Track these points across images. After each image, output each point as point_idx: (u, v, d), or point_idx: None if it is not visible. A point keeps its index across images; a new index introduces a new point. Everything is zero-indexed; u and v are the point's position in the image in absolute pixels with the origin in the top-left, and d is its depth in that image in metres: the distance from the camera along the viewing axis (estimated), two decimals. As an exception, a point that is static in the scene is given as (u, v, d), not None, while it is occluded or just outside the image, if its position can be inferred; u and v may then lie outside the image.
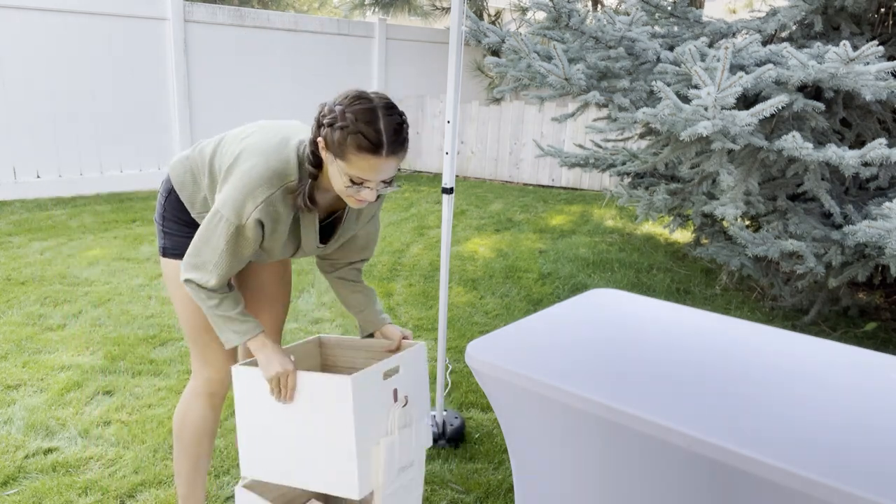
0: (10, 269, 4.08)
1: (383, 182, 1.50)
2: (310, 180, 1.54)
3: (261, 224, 1.54)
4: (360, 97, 1.45)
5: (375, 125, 1.42)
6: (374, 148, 1.42)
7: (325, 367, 1.97)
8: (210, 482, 2.18)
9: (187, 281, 1.57)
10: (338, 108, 1.44)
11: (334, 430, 1.53)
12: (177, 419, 1.82)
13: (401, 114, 1.48)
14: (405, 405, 1.65)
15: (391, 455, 1.60)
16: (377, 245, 1.94)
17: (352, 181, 1.46)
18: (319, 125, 1.47)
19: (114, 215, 5.55)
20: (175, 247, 1.72)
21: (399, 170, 1.63)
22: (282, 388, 1.57)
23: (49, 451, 2.32)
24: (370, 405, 1.55)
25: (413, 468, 1.71)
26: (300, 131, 1.63)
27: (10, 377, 2.80)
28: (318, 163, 1.52)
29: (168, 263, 1.74)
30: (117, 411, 2.59)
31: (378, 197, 1.68)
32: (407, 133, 1.48)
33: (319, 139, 1.47)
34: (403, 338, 1.84)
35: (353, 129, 1.41)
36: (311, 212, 1.60)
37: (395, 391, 1.63)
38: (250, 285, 1.89)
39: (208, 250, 1.54)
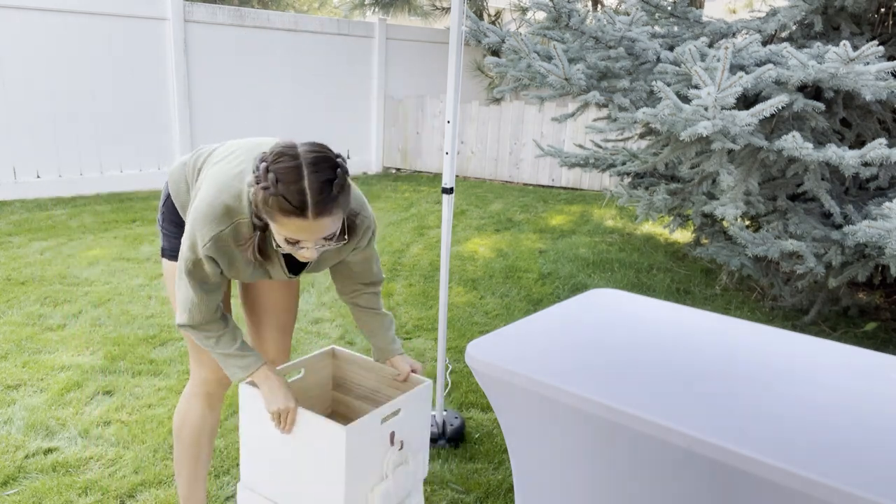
0: (10, 269, 4.08)
1: (325, 239, 1.39)
2: (258, 232, 1.45)
3: (213, 260, 1.47)
4: (284, 153, 1.32)
5: (299, 185, 1.29)
6: (298, 211, 1.29)
7: (336, 378, 1.98)
8: (210, 482, 2.18)
9: (181, 326, 1.56)
10: (262, 165, 1.32)
11: (326, 472, 1.55)
12: (176, 420, 1.82)
13: (334, 166, 1.33)
14: (401, 449, 1.66)
15: (386, 499, 1.62)
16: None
17: (286, 241, 1.37)
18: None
19: (114, 215, 5.55)
20: (172, 248, 1.71)
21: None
22: (282, 423, 1.58)
23: (49, 451, 2.32)
24: (364, 452, 1.56)
25: (411, 499, 1.73)
26: None
27: (10, 377, 2.80)
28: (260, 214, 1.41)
29: (167, 264, 1.74)
30: (117, 411, 2.59)
31: (351, 237, 1.57)
32: (339, 188, 1.33)
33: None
34: (412, 371, 1.81)
35: (275, 192, 1.29)
36: (266, 258, 1.51)
37: (393, 434, 1.63)
38: (252, 295, 1.87)
39: (184, 289, 1.52)
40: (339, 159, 1.37)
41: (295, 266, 1.64)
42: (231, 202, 1.45)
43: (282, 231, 1.36)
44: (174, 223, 1.72)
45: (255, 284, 1.85)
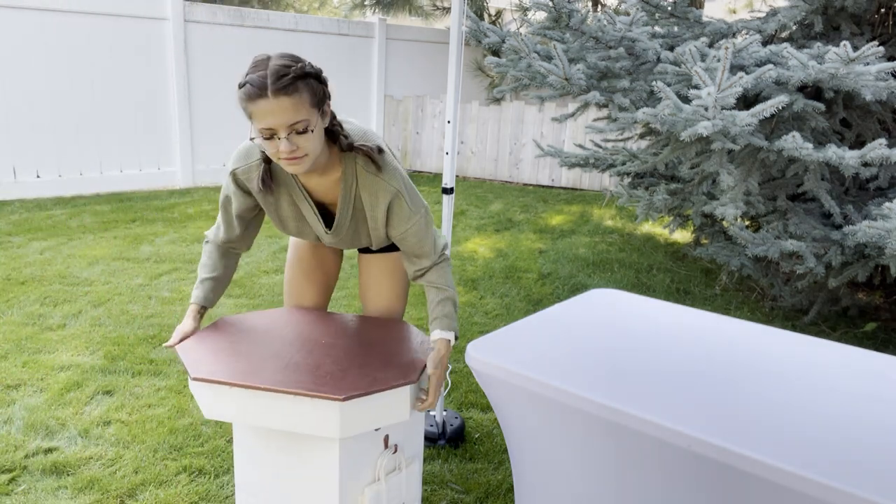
0: (10, 269, 4.08)
1: (292, 128, 1.48)
2: (264, 164, 1.66)
3: (242, 194, 1.71)
4: (259, 56, 1.51)
5: (260, 70, 1.45)
6: (259, 92, 1.44)
7: None
8: (210, 482, 2.18)
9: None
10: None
11: (320, 480, 1.55)
12: None
13: (296, 59, 1.48)
14: (395, 452, 1.65)
15: (377, 501, 1.61)
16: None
17: (263, 136, 1.50)
18: None
19: (114, 215, 5.55)
20: None
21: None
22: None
23: (49, 450, 2.32)
24: (358, 459, 1.55)
25: None
26: None
27: (10, 377, 2.80)
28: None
29: None
30: (117, 411, 2.59)
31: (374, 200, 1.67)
32: (298, 72, 1.45)
33: None
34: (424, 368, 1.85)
35: (243, 82, 1.47)
36: (270, 192, 1.71)
37: (387, 438, 1.62)
38: (301, 254, 2.04)
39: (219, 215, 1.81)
40: (310, 65, 1.50)
41: (328, 219, 1.78)
42: (248, 145, 1.69)
43: (255, 123, 1.48)
44: None
45: (305, 249, 2.01)
